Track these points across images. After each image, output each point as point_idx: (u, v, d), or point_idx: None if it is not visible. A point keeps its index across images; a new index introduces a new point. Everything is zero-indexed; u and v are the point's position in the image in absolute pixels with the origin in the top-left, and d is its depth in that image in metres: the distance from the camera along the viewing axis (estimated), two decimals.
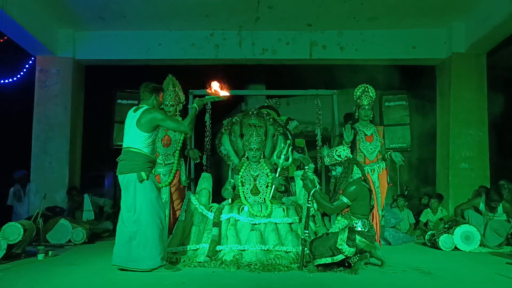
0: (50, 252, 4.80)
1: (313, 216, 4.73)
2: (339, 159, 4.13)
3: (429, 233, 5.92)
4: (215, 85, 4.31)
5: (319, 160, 6.60)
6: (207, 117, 6.60)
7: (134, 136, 4.00)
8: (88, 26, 7.47)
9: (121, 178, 4.01)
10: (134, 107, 4.14)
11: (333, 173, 4.20)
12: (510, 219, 5.84)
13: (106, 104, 7.92)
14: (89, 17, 7.17)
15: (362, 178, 4.11)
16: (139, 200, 3.93)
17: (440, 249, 5.43)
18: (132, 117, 4.04)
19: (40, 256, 4.62)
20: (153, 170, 4.30)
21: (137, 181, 3.92)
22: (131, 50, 7.68)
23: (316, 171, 5.58)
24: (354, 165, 4.13)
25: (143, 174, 3.93)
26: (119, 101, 7.58)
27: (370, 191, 4.07)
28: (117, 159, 4.17)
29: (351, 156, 4.18)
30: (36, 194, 7.20)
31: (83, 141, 8.03)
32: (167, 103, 5.19)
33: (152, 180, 4.06)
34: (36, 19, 6.78)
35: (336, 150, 4.16)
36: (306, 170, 4.32)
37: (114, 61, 7.84)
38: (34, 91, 7.57)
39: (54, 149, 7.46)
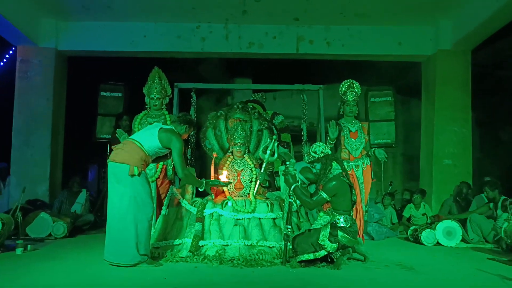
0: (29, 246, 4.70)
1: (297, 211, 4.72)
2: (316, 155, 4.15)
3: (411, 228, 5.97)
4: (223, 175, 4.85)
5: (304, 156, 6.59)
6: (192, 111, 6.51)
7: (148, 137, 4.04)
8: (71, 16, 7.31)
9: (112, 165, 3.94)
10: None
11: (313, 170, 4.21)
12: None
13: (89, 96, 7.80)
14: (72, 7, 7.00)
15: (343, 173, 4.10)
16: (128, 194, 3.87)
17: (423, 244, 5.48)
18: (157, 125, 4.18)
19: (19, 251, 4.51)
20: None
21: (128, 175, 3.86)
22: (115, 42, 7.53)
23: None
24: (334, 161, 4.13)
25: (135, 169, 3.87)
26: (102, 93, 7.47)
27: (351, 186, 4.08)
28: (113, 146, 4.16)
29: (329, 151, 4.18)
30: (16, 187, 7.03)
31: (66, 133, 7.89)
32: (153, 96, 5.09)
33: (144, 176, 4.02)
34: (17, 8, 6.59)
35: (312, 147, 4.18)
36: (287, 165, 4.31)
37: (98, 53, 7.68)
38: (14, 82, 7.40)
39: (35, 141, 7.31)
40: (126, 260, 3.82)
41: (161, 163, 4.98)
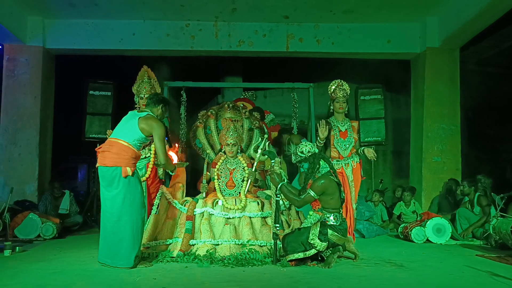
0: (17, 247, 4.66)
1: (289, 209, 4.72)
2: (303, 155, 4.14)
3: (402, 225, 6.00)
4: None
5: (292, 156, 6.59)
6: (182, 109, 6.47)
7: (129, 131, 3.93)
8: (58, 13, 7.22)
9: (104, 170, 3.87)
10: (138, 109, 4.24)
11: (301, 169, 4.21)
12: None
13: (77, 95, 7.71)
14: (59, 4, 6.90)
15: (331, 171, 4.11)
16: (121, 196, 3.83)
17: (413, 242, 5.52)
18: (134, 115, 4.03)
19: (7, 252, 4.47)
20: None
21: (121, 176, 3.82)
22: (104, 40, 7.46)
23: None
24: (321, 160, 4.13)
25: (128, 169, 3.84)
26: (91, 92, 7.38)
27: (339, 184, 4.09)
28: (96, 148, 4.06)
29: (316, 150, 4.18)
30: (4, 187, 6.96)
31: (54, 132, 7.80)
32: (142, 95, 5.04)
33: (137, 176, 3.99)
34: (3, 5, 6.50)
35: (299, 147, 4.17)
36: (272, 164, 4.30)
37: (86, 51, 7.60)
38: (1, 80, 7.30)
39: (23, 140, 7.21)
40: (124, 263, 3.80)
41: (151, 162, 4.93)
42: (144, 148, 4.45)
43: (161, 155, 3.99)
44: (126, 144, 3.90)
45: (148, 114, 4.03)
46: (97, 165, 3.94)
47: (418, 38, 7.63)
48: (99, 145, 5.12)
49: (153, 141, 4.17)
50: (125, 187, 3.84)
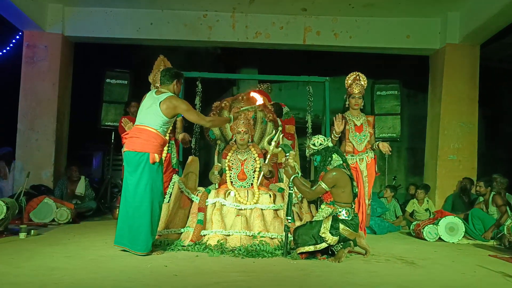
0: (32, 231, 4.74)
1: (301, 202, 4.71)
2: (315, 148, 4.13)
3: (414, 223, 5.96)
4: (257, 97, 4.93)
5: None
6: (197, 100, 6.52)
7: (153, 116, 3.95)
8: (77, 1, 7.29)
9: (132, 155, 3.91)
10: (155, 90, 4.17)
11: (315, 163, 4.21)
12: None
13: (94, 83, 7.79)
14: None
15: (344, 165, 4.10)
16: (144, 182, 3.89)
17: (425, 240, 5.48)
18: (153, 98, 4.02)
19: (22, 235, 4.56)
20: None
21: (148, 162, 3.87)
22: (122, 29, 7.50)
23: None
24: (334, 153, 4.12)
25: (156, 155, 3.90)
26: (107, 80, 7.46)
27: (351, 178, 4.07)
28: (123, 134, 4.15)
29: (329, 144, 4.17)
30: (21, 172, 7.10)
31: (71, 119, 7.91)
32: (158, 84, 5.05)
33: (161, 163, 4.04)
34: None
35: (311, 140, 4.18)
36: (287, 156, 4.30)
37: (104, 39, 7.65)
38: (21, 67, 7.41)
39: (40, 126, 7.32)
40: (142, 248, 3.85)
41: (164, 151, 4.95)
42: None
43: (202, 122, 4.26)
44: (154, 131, 3.94)
45: (167, 96, 4.00)
46: (124, 150, 3.99)
47: (438, 33, 7.50)
48: (114, 133, 5.15)
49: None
50: (150, 173, 3.89)
